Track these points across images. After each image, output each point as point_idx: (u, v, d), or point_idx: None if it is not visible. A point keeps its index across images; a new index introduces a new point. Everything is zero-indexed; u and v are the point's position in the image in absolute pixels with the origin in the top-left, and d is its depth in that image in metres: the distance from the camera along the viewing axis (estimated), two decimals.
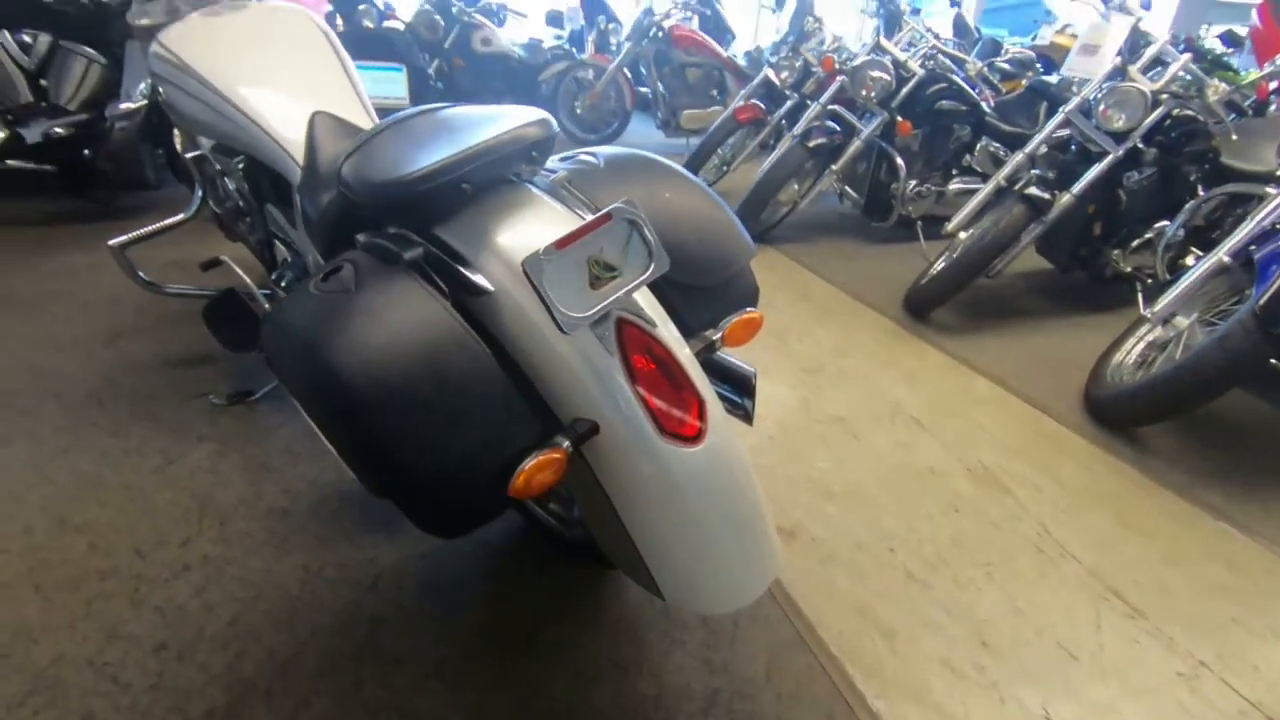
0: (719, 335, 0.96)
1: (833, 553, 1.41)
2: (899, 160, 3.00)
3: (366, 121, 1.33)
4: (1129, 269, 2.59)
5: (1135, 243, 2.57)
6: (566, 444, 0.82)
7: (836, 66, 3.05)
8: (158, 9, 1.48)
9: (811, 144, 2.91)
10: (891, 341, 2.39)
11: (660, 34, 4.78)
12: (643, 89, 5.50)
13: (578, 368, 0.84)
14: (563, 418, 0.87)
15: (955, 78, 3.05)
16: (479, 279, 0.87)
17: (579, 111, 5.20)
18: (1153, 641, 1.26)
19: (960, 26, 6.53)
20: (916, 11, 5.65)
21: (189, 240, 2.21)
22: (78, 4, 2.48)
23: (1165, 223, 2.47)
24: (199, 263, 1.76)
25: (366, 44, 3.51)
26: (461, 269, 0.89)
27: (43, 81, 2.58)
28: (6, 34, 2.51)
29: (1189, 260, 2.35)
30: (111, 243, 1.66)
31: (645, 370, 0.85)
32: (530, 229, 0.90)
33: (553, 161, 1.11)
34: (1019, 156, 2.49)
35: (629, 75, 5.51)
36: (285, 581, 1.22)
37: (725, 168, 3.96)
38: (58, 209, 2.83)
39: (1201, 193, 2.41)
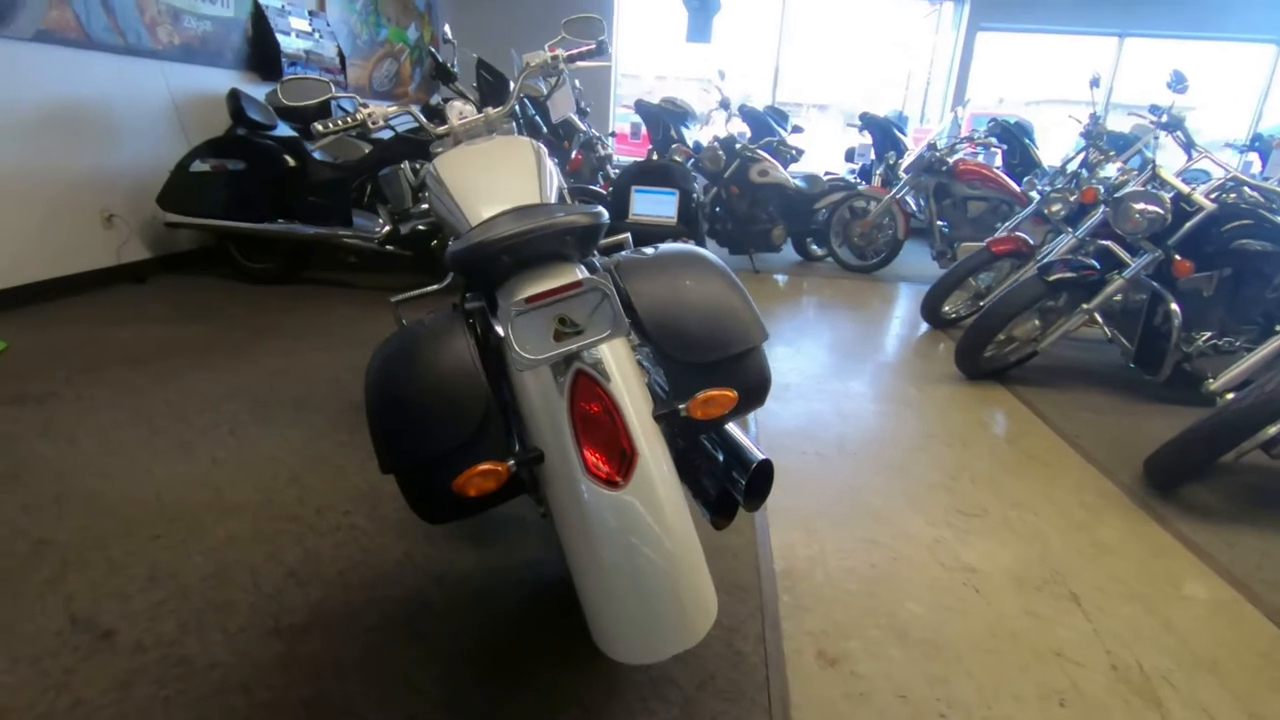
0: (684, 406, 1.04)
1: (868, 694, 1.27)
2: (1174, 305, 2.52)
3: None
4: None
5: None
6: (511, 462, 0.99)
7: (1100, 197, 2.74)
8: (449, 143, 2.11)
9: (1052, 277, 2.62)
10: (1101, 506, 1.99)
11: (944, 168, 4.74)
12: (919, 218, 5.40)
13: (538, 404, 1.02)
14: (529, 444, 1.05)
15: (1275, 215, 2.50)
16: (498, 327, 1.12)
17: (856, 239, 5.32)
18: None
19: None
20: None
21: None
22: None
23: None
24: None
25: (651, 174, 4.18)
26: (493, 319, 1.15)
27: (421, 194, 3.67)
28: (407, 163, 3.65)
29: None
30: (392, 299, 2.30)
31: (589, 416, 0.99)
32: None
33: (625, 252, 1.33)
34: None
35: (912, 206, 5.50)
36: (388, 558, 1.56)
37: (979, 302, 3.69)
38: (410, 282, 3.89)
39: None
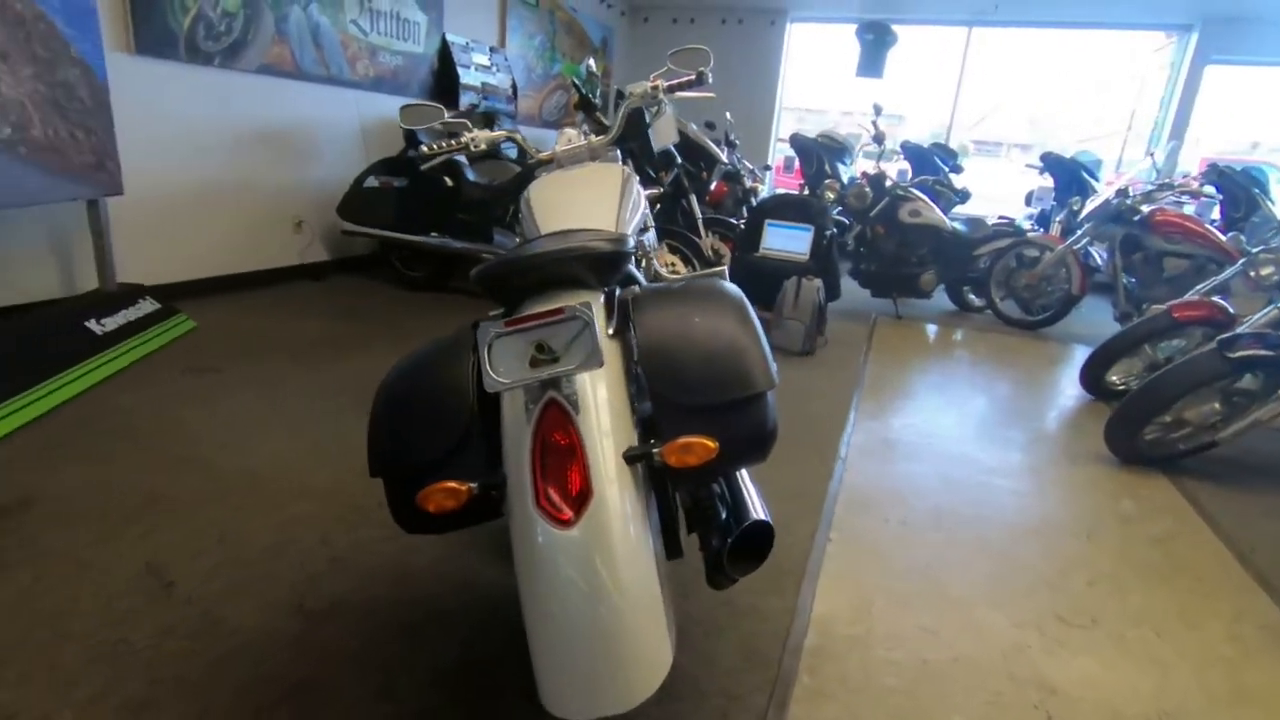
0: (658, 450, 0.97)
1: None
2: None
3: None
4: None
5: None
6: (474, 484, 0.98)
7: None
8: (553, 168, 2.18)
9: (1236, 354, 2.16)
10: (1260, 640, 1.59)
11: (1136, 218, 4.14)
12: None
13: (509, 429, 1.00)
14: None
15: None
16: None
17: (1021, 291, 4.79)
18: None
19: None
20: None
21: None
22: None
23: None
24: None
25: (788, 207, 4.05)
26: None
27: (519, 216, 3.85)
28: None
29: None
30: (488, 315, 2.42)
31: (555, 448, 0.95)
32: None
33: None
34: None
35: (1096, 258, 4.88)
36: (421, 560, 1.61)
37: (1153, 373, 3.14)
38: None
39: None
